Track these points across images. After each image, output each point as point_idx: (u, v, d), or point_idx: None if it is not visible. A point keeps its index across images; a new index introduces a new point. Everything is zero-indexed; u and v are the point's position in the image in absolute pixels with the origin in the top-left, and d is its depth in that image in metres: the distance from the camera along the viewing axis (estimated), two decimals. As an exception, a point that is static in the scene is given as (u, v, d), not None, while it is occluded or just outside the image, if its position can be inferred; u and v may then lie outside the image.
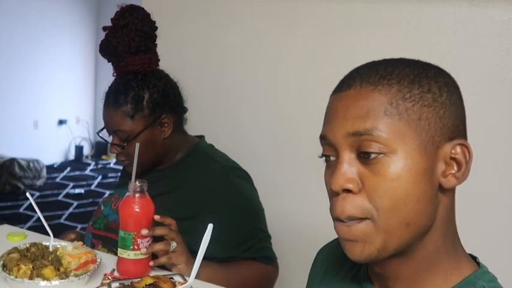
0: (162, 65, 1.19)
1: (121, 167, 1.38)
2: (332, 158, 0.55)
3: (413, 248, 0.54)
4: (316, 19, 1.35)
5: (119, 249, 0.97)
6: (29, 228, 1.23)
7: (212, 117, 1.52)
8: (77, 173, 4.94)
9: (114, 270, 0.98)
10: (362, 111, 0.52)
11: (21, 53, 4.73)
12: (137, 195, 0.95)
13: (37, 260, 0.90)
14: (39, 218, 0.98)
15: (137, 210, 0.95)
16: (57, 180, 4.67)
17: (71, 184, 4.53)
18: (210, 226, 0.74)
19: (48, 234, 0.98)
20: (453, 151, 0.53)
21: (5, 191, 4.12)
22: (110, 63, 1.17)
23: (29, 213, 3.67)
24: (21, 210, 3.76)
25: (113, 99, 1.12)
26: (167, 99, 1.14)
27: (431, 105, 0.52)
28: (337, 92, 0.57)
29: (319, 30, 1.35)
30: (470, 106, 0.60)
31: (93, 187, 4.51)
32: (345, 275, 0.65)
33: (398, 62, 0.56)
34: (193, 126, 1.27)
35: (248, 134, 1.48)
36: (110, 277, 0.94)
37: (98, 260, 0.94)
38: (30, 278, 0.87)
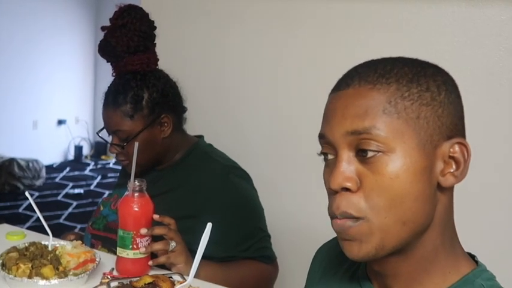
0: (162, 65, 1.19)
1: (120, 167, 1.38)
2: (331, 157, 0.56)
3: (412, 246, 0.54)
4: (316, 19, 1.36)
5: (118, 248, 0.97)
6: (29, 228, 1.23)
7: (212, 117, 1.52)
8: (76, 173, 4.94)
9: (113, 269, 0.98)
10: (361, 110, 0.52)
11: (21, 53, 4.73)
12: (136, 194, 0.95)
13: (36, 259, 0.91)
14: (38, 218, 0.98)
15: (136, 209, 0.95)
16: (57, 180, 4.67)
17: (70, 184, 4.53)
18: (209, 225, 0.74)
19: (48, 234, 0.99)
20: (451, 150, 0.53)
21: (4, 191, 4.12)
22: (109, 63, 1.17)
23: (28, 213, 3.67)
24: (20, 210, 3.76)
25: (112, 99, 1.12)
26: (166, 99, 1.14)
27: (429, 104, 0.53)
28: (335, 91, 0.57)
29: (319, 30, 1.35)
30: (469, 105, 0.60)
31: (92, 187, 4.51)
32: (344, 273, 0.66)
33: (397, 60, 0.56)
34: (193, 126, 1.27)
35: (248, 134, 1.49)
36: (109, 276, 0.94)
37: (97, 259, 0.94)
38: (29, 277, 0.87)
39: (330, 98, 0.57)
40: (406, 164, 0.51)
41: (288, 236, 1.40)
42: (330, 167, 0.55)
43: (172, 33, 1.54)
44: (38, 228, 1.09)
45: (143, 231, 0.94)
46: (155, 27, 1.16)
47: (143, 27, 1.12)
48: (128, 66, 1.12)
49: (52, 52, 5.05)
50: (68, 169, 5.03)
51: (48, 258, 0.92)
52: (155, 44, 1.17)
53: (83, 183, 4.59)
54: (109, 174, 4.88)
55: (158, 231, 0.96)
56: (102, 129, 1.17)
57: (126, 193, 0.96)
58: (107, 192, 4.10)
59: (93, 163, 5.27)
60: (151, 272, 0.96)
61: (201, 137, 1.25)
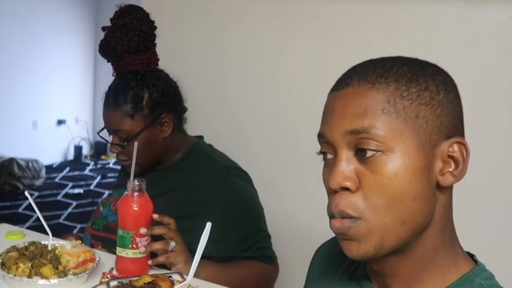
0: (162, 65, 1.19)
1: (119, 168, 1.38)
2: (330, 156, 0.56)
3: (411, 245, 0.54)
4: (316, 19, 1.36)
5: (117, 247, 0.97)
6: (28, 228, 1.23)
7: (212, 117, 1.52)
8: (76, 173, 4.94)
9: (112, 268, 0.98)
10: (360, 110, 0.52)
11: (21, 53, 4.73)
12: (136, 194, 0.95)
13: (36, 258, 0.91)
14: (38, 218, 0.98)
15: (136, 209, 0.95)
16: (56, 180, 4.67)
17: (70, 184, 4.53)
18: (209, 225, 0.74)
19: (47, 234, 0.99)
20: (450, 149, 0.53)
21: (4, 191, 4.12)
22: (110, 63, 1.17)
23: (28, 213, 3.67)
24: (20, 210, 3.76)
25: (113, 99, 1.12)
26: (167, 99, 1.14)
27: (428, 103, 0.53)
28: (335, 90, 0.57)
29: (319, 30, 1.35)
30: (468, 105, 0.60)
31: (92, 187, 4.51)
32: (343, 273, 0.66)
33: (396, 60, 0.56)
34: (193, 126, 1.27)
35: (248, 134, 1.49)
36: (108, 276, 0.94)
37: (96, 259, 0.94)
38: (29, 276, 0.87)
39: (329, 97, 0.57)
40: (405, 164, 0.51)
41: (288, 236, 1.40)
42: (329, 166, 0.55)
43: (172, 33, 1.54)
44: (38, 228, 1.09)
45: (143, 230, 0.95)
46: (156, 27, 1.16)
47: (144, 27, 1.12)
48: (128, 66, 1.12)
49: (52, 52, 5.05)
50: (67, 169, 5.03)
51: (48, 257, 0.92)
52: (156, 44, 1.17)
53: (83, 183, 4.59)
54: (109, 174, 4.89)
55: (158, 230, 0.96)
56: (102, 129, 1.17)
57: (126, 193, 0.96)
58: (106, 192, 4.10)
59: (92, 163, 5.27)
60: (151, 272, 0.96)
61: (201, 137, 1.25)
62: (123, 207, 0.96)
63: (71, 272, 0.90)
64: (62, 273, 0.89)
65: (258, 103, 1.46)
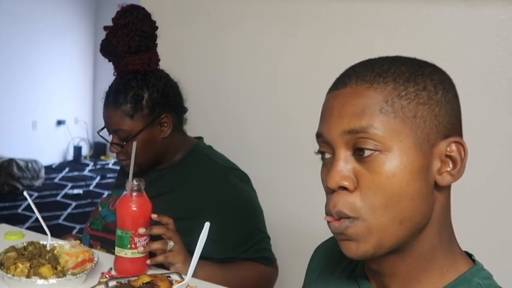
0: (163, 65, 1.19)
1: (119, 168, 1.38)
2: (328, 156, 0.56)
3: (410, 245, 0.54)
4: (316, 19, 1.36)
5: (116, 247, 0.97)
6: (28, 229, 1.24)
7: (212, 117, 1.52)
8: (76, 173, 4.94)
9: (111, 268, 0.98)
10: (358, 109, 0.52)
11: (20, 53, 4.73)
12: (134, 194, 0.95)
13: (34, 258, 0.91)
14: (37, 218, 0.98)
15: (134, 209, 0.95)
16: (56, 180, 4.67)
17: (70, 184, 4.53)
18: (207, 224, 0.74)
19: (46, 234, 0.99)
20: (448, 149, 0.53)
21: (3, 191, 4.12)
22: (109, 64, 1.17)
23: (28, 213, 3.67)
24: (19, 210, 3.76)
25: (113, 98, 1.12)
26: (167, 99, 1.14)
27: (426, 103, 0.53)
28: (333, 90, 0.57)
29: (319, 30, 1.36)
30: (467, 105, 0.60)
31: (91, 187, 4.51)
32: (342, 272, 0.66)
33: (394, 60, 0.56)
34: (193, 126, 1.27)
35: (248, 134, 1.49)
36: (107, 276, 0.94)
37: (95, 259, 0.94)
38: (28, 276, 0.87)
39: (327, 97, 0.57)
40: (403, 163, 0.51)
41: (288, 236, 1.40)
42: (327, 166, 0.55)
43: (172, 34, 1.54)
44: (37, 228, 1.09)
45: (141, 230, 0.94)
46: (157, 28, 1.16)
47: (145, 27, 1.12)
48: (129, 66, 1.12)
49: (51, 53, 5.05)
50: (67, 169, 5.02)
51: (47, 257, 0.92)
52: (157, 44, 1.17)
53: (82, 183, 4.59)
54: (108, 175, 4.88)
55: (156, 230, 0.96)
56: (102, 129, 1.17)
57: (125, 193, 0.96)
58: (106, 193, 4.10)
59: (92, 163, 5.27)
60: (150, 272, 0.96)
61: (200, 138, 1.25)
62: (122, 207, 0.96)
63: (69, 272, 0.90)
64: (61, 273, 0.89)
65: (258, 103, 1.46)
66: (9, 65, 4.64)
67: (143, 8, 1.15)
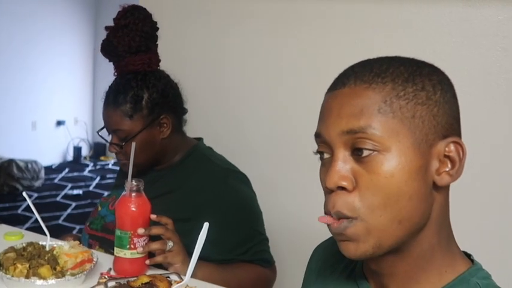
0: (163, 65, 1.19)
1: (119, 168, 1.38)
2: (327, 156, 0.56)
3: (408, 245, 0.54)
4: (316, 19, 1.36)
5: (115, 248, 0.97)
6: (28, 229, 1.23)
7: (212, 117, 1.52)
8: (75, 174, 4.94)
9: (110, 269, 0.98)
10: (356, 109, 0.53)
11: (20, 53, 4.72)
12: (133, 194, 0.95)
13: (33, 259, 0.91)
14: (37, 219, 0.98)
15: (133, 209, 0.95)
16: (56, 181, 4.66)
17: (69, 185, 4.53)
18: (206, 225, 0.74)
19: (46, 235, 0.98)
20: (447, 149, 0.53)
21: (3, 192, 4.11)
22: (109, 64, 1.17)
23: (27, 214, 3.66)
24: (19, 211, 3.75)
25: (113, 98, 1.12)
26: (166, 100, 1.14)
27: (425, 103, 0.53)
28: (332, 90, 0.57)
29: (319, 30, 1.36)
30: (466, 105, 0.60)
31: (91, 188, 4.50)
32: (341, 272, 0.66)
33: (393, 60, 0.56)
34: (194, 126, 1.27)
35: (248, 134, 1.49)
36: (106, 276, 0.94)
37: (94, 259, 0.94)
38: (27, 277, 0.87)
39: (326, 97, 0.57)
40: (401, 163, 0.51)
41: (288, 236, 1.40)
42: (326, 166, 0.55)
43: (172, 34, 1.54)
44: (37, 229, 1.09)
45: (140, 231, 0.94)
46: (158, 28, 1.16)
47: (145, 28, 1.12)
48: (129, 66, 1.12)
49: (51, 53, 5.04)
50: (66, 170, 5.02)
51: (46, 258, 0.92)
52: (157, 44, 1.17)
53: (82, 184, 4.58)
54: (108, 175, 4.88)
55: (155, 231, 0.96)
56: (102, 128, 1.17)
57: (124, 193, 0.96)
58: (105, 193, 4.10)
59: (92, 164, 5.27)
60: (149, 272, 0.96)
61: (200, 139, 1.25)
62: (121, 208, 0.96)
63: (68, 273, 0.90)
64: (60, 274, 0.89)
65: (258, 103, 1.46)
66: (9, 65, 4.64)
67: (144, 9, 1.15)
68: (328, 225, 0.55)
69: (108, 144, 1.16)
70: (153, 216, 0.96)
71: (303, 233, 1.39)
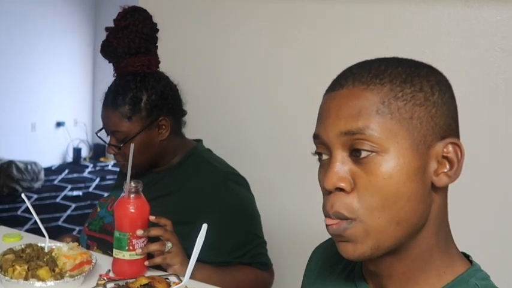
0: (163, 67, 1.19)
1: (119, 169, 1.38)
2: (325, 157, 0.56)
3: (407, 246, 0.54)
4: (316, 20, 1.36)
5: (114, 249, 0.96)
6: (27, 231, 1.23)
7: (212, 117, 1.52)
8: (75, 175, 4.94)
9: (109, 270, 0.98)
10: (354, 111, 0.53)
11: (20, 55, 4.73)
12: (132, 195, 0.95)
13: (32, 261, 0.90)
14: (37, 220, 0.98)
15: (132, 210, 0.95)
16: (55, 182, 4.66)
17: (69, 186, 4.53)
18: (205, 226, 0.74)
19: (45, 236, 0.98)
20: (445, 150, 0.53)
21: (2, 193, 4.11)
22: (109, 65, 1.17)
23: (27, 215, 3.66)
24: (19, 212, 3.75)
25: (112, 99, 1.12)
26: (165, 102, 1.14)
27: (423, 104, 0.53)
28: (330, 92, 0.57)
29: (319, 30, 1.36)
30: (465, 106, 0.60)
31: (91, 189, 4.50)
32: (339, 273, 0.66)
33: (391, 61, 0.56)
34: (194, 126, 1.27)
35: (248, 134, 1.49)
36: (105, 278, 0.94)
37: (93, 261, 0.94)
38: (25, 278, 0.87)
39: (324, 98, 0.57)
40: (400, 164, 0.51)
41: (288, 236, 1.40)
42: (325, 167, 0.55)
43: (172, 35, 1.54)
44: (37, 230, 1.09)
45: (139, 232, 0.94)
46: (158, 30, 1.16)
47: (145, 29, 1.12)
48: (129, 67, 1.12)
49: (51, 54, 5.05)
50: (66, 171, 5.02)
51: (45, 260, 0.91)
52: (157, 46, 1.17)
53: (82, 185, 4.58)
54: (108, 176, 4.88)
55: (154, 232, 0.96)
56: (101, 130, 1.17)
57: (122, 194, 0.96)
58: (105, 194, 4.09)
59: (91, 165, 5.26)
60: (148, 273, 0.96)
61: (199, 141, 1.25)
62: (120, 209, 0.96)
63: (67, 274, 0.90)
64: (59, 276, 0.89)
65: (258, 103, 1.47)
66: (9, 66, 4.64)
67: (144, 10, 1.15)
68: (327, 226, 0.55)
69: (107, 146, 1.16)
70: (152, 218, 0.96)
71: (302, 234, 1.39)
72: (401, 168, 0.51)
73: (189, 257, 0.82)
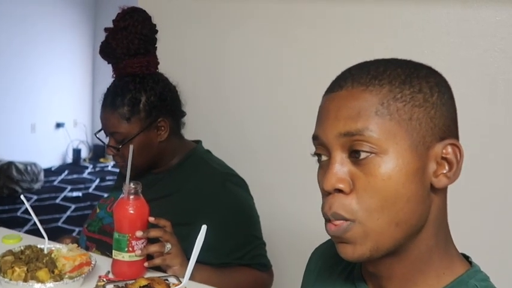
0: (162, 68, 1.19)
1: (118, 170, 1.38)
2: (324, 158, 0.56)
3: (406, 247, 0.54)
4: (316, 20, 1.36)
5: (113, 251, 0.96)
6: (27, 232, 1.23)
7: (212, 118, 1.52)
8: (75, 176, 4.94)
9: (108, 272, 0.98)
10: (353, 112, 0.52)
11: (19, 55, 4.72)
12: (131, 197, 0.95)
13: (31, 262, 0.90)
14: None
15: (131, 212, 0.95)
16: (55, 183, 4.66)
17: (69, 187, 4.52)
18: (204, 227, 0.74)
19: (44, 238, 0.98)
20: (444, 151, 0.53)
21: (2, 194, 4.11)
22: (108, 66, 1.17)
23: (27, 216, 3.65)
24: (18, 213, 3.75)
25: (111, 101, 1.12)
26: (164, 103, 1.14)
27: (422, 105, 0.53)
28: (329, 93, 0.57)
29: (319, 31, 1.36)
30: (464, 106, 0.60)
31: (90, 190, 4.50)
32: (339, 274, 0.66)
33: (390, 62, 0.56)
34: (193, 127, 1.27)
35: (248, 134, 1.49)
36: (104, 279, 0.94)
37: (92, 262, 0.94)
38: (25, 280, 0.87)
39: (323, 99, 0.57)
40: (399, 166, 0.51)
41: (288, 237, 1.40)
42: (324, 168, 0.55)
43: (171, 35, 1.54)
44: (37, 231, 1.09)
45: (139, 233, 0.94)
46: (157, 31, 1.16)
47: (144, 30, 1.12)
48: (128, 68, 1.12)
49: (50, 55, 5.04)
50: (66, 172, 5.02)
51: (44, 261, 0.91)
52: (156, 47, 1.17)
53: (82, 186, 4.58)
54: (107, 177, 4.88)
55: (154, 233, 0.95)
56: (100, 131, 1.17)
57: (122, 196, 0.96)
58: (105, 195, 4.09)
59: (91, 166, 5.26)
60: (147, 274, 0.95)
61: (199, 142, 1.25)
62: (119, 211, 0.95)
63: (66, 276, 0.90)
64: (58, 277, 0.88)
65: (258, 104, 1.47)
66: (8, 67, 4.63)
67: (144, 11, 1.15)
68: (326, 227, 0.55)
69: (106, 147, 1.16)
70: (151, 219, 0.96)
71: (302, 235, 1.38)
72: (401, 170, 0.51)
73: (188, 258, 0.82)
